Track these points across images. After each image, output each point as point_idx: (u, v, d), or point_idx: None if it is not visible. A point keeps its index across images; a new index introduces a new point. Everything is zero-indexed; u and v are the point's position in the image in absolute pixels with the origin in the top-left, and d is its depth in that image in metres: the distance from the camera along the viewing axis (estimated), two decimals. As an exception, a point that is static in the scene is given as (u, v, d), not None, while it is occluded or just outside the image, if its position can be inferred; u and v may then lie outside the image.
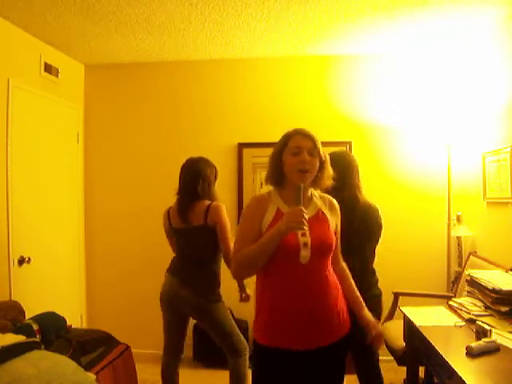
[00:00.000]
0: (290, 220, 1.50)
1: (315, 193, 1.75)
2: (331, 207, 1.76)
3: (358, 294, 1.80)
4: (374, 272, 2.49)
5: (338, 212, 1.79)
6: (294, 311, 1.59)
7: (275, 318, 1.62)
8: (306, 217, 1.50)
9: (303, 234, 1.57)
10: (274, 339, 1.61)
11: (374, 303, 2.34)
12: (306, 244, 1.58)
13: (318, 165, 1.65)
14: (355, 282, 1.85)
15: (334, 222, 1.74)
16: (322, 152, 1.67)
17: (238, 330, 2.56)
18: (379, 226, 2.49)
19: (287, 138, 1.70)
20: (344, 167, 2.42)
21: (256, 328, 1.68)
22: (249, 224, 1.66)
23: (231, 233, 2.44)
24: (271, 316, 1.63)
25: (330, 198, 1.79)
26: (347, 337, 1.70)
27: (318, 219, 1.67)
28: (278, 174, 1.68)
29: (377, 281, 2.50)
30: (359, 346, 2.43)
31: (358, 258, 2.37)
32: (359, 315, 1.76)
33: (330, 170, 1.71)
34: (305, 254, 1.58)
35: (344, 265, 1.84)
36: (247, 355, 2.55)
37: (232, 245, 2.29)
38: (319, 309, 1.61)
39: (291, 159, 1.63)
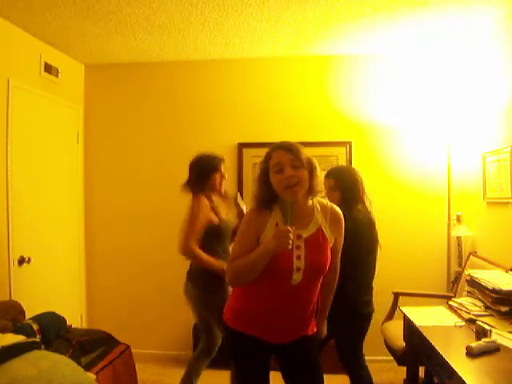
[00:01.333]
0: (277, 240, 1.50)
1: (317, 204, 1.69)
2: (333, 218, 1.70)
3: (327, 307, 1.92)
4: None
5: (341, 222, 1.73)
6: (271, 318, 1.68)
7: (252, 316, 1.69)
8: (291, 236, 1.49)
9: (298, 257, 1.59)
10: (247, 327, 1.70)
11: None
12: (299, 269, 1.60)
13: (306, 175, 1.59)
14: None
15: (334, 235, 1.71)
16: (307, 160, 1.61)
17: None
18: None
19: (268, 156, 1.63)
20: (354, 185, 2.45)
21: (231, 315, 1.75)
22: (247, 236, 1.65)
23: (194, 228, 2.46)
24: (249, 313, 1.70)
25: (333, 206, 1.74)
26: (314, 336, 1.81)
27: (317, 240, 1.64)
28: (268, 195, 1.62)
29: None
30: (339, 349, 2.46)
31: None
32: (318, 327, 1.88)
33: (319, 176, 1.66)
34: (296, 277, 1.61)
35: (337, 274, 1.86)
36: None
37: (188, 240, 2.39)
38: (295, 321, 1.71)
39: (276, 177, 1.59)
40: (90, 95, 3.87)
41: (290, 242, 1.49)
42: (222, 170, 2.62)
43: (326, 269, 1.67)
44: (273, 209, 1.65)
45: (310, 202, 1.68)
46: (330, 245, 1.69)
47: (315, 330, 1.82)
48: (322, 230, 1.66)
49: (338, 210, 1.74)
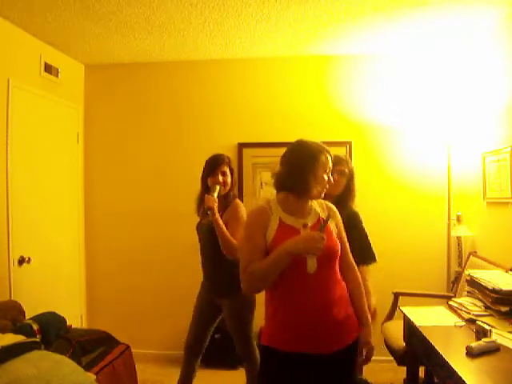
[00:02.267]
0: (308, 244, 1.52)
1: (314, 201, 1.76)
2: (331, 214, 1.74)
3: (365, 308, 1.76)
4: None
5: (337, 215, 1.79)
6: (302, 320, 1.60)
7: (284, 327, 1.63)
8: (323, 243, 1.53)
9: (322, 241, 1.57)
10: (283, 344, 1.62)
11: None
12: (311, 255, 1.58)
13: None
14: None
15: (334, 226, 1.74)
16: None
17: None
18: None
19: (323, 154, 1.68)
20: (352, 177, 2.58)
21: (266, 335, 1.69)
22: (253, 238, 1.64)
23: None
24: (280, 325, 1.64)
25: (326, 202, 1.81)
26: (355, 341, 1.71)
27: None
28: (302, 181, 1.65)
29: None
30: None
31: None
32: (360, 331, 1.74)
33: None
34: (311, 264, 1.59)
35: (356, 271, 1.80)
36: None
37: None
38: (327, 317, 1.61)
39: (325, 177, 1.68)
40: (90, 95, 3.87)
41: (322, 246, 1.52)
42: (218, 173, 2.49)
43: (337, 251, 1.67)
44: (272, 203, 1.70)
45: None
46: (335, 232, 1.72)
47: (357, 332, 1.72)
48: (323, 219, 1.69)
49: (331, 205, 1.82)
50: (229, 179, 2.50)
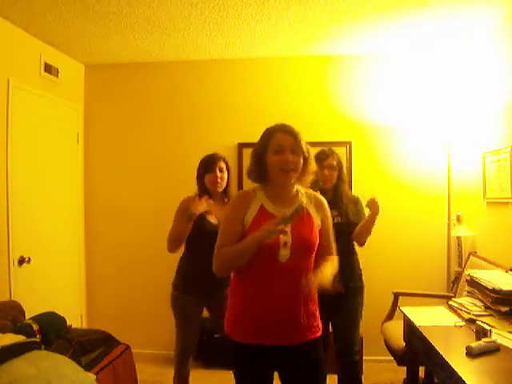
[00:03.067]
0: (265, 233, 1.50)
1: (302, 190, 1.73)
2: (317, 204, 1.73)
3: (324, 263, 1.69)
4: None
5: (325, 207, 1.76)
6: (266, 308, 1.60)
7: (248, 314, 1.63)
8: (279, 232, 1.51)
9: (284, 233, 1.55)
10: (246, 335, 1.63)
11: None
12: (285, 243, 1.58)
13: (301, 162, 1.63)
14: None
15: (320, 218, 1.72)
16: (305, 148, 1.65)
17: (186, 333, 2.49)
18: None
19: (269, 135, 1.69)
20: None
21: (229, 323, 1.69)
22: (231, 219, 1.66)
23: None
24: (245, 312, 1.64)
25: (316, 193, 1.79)
26: (319, 340, 1.69)
27: (302, 218, 1.63)
28: (260, 171, 1.66)
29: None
30: (340, 348, 2.50)
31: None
32: None
33: (313, 165, 1.69)
34: (284, 253, 1.58)
35: (335, 257, 1.77)
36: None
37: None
38: (291, 307, 1.61)
39: (274, 158, 1.62)
40: (90, 95, 3.87)
41: (274, 235, 1.51)
42: (215, 169, 2.47)
43: (314, 245, 1.65)
44: (258, 189, 1.68)
45: (294, 187, 1.71)
46: (317, 226, 1.68)
47: (319, 333, 1.71)
48: (307, 210, 1.67)
49: (322, 198, 1.79)
50: (225, 175, 2.50)
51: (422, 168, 3.53)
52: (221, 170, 2.48)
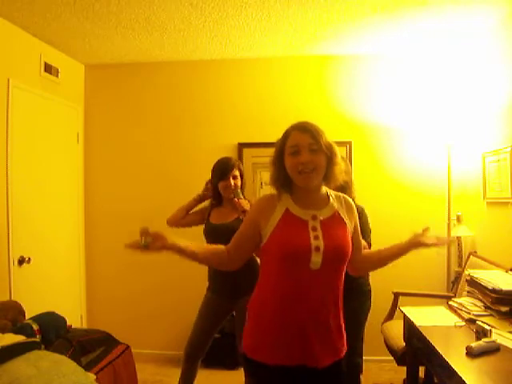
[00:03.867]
0: None
1: (331, 193, 1.59)
2: (348, 207, 1.60)
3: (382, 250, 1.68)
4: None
5: (355, 210, 1.63)
6: (289, 319, 1.44)
7: (268, 329, 1.47)
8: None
9: (316, 237, 1.44)
10: (266, 356, 1.45)
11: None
12: (318, 248, 1.43)
13: (323, 161, 1.47)
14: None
15: (353, 222, 1.60)
16: (328, 145, 1.49)
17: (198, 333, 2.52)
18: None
19: (285, 136, 1.53)
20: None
21: (246, 340, 1.53)
22: (245, 223, 1.59)
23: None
24: (264, 327, 1.48)
25: (346, 196, 1.64)
26: (340, 363, 1.53)
27: (334, 222, 1.52)
28: (283, 177, 1.52)
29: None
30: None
31: None
32: (400, 247, 1.74)
33: (341, 165, 1.53)
34: (316, 259, 1.42)
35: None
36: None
37: None
38: (316, 320, 1.45)
39: (290, 160, 1.47)
40: (90, 95, 3.87)
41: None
42: (229, 177, 2.49)
43: (347, 254, 1.50)
44: (283, 193, 1.54)
45: (324, 189, 1.57)
46: (350, 231, 1.56)
47: (344, 350, 1.55)
48: (338, 214, 1.55)
49: (349, 199, 1.66)
50: (239, 182, 2.53)
51: (422, 168, 3.52)
52: (234, 178, 2.49)
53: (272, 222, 1.49)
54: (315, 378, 1.47)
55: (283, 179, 1.52)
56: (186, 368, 2.54)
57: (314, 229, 1.47)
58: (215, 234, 2.49)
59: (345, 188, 1.85)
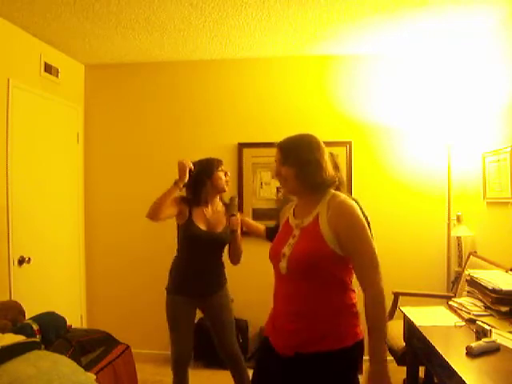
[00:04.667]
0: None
1: (327, 197, 1.57)
2: (334, 212, 1.51)
3: (371, 341, 1.45)
4: None
5: (344, 218, 1.49)
6: (275, 315, 1.66)
7: (270, 317, 1.71)
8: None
9: (289, 245, 1.59)
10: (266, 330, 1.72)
11: None
12: (284, 254, 1.58)
13: (291, 173, 1.56)
14: None
15: (333, 231, 1.49)
16: (296, 157, 1.56)
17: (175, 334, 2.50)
18: None
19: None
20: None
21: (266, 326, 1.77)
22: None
23: None
24: (271, 319, 1.70)
25: (342, 202, 1.53)
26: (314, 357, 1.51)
27: (309, 229, 1.55)
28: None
29: None
30: None
31: None
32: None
33: (316, 170, 1.56)
34: (283, 265, 1.58)
35: (371, 293, 1.55)
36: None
37: None
38: (290, 318, 1.56)
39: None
40: (90, 95, 3.87)
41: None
42: (222, 169, 2.51)
43: (308, 261, 1.49)
44: (288, 204, 1.77)
45: (321, 195, 1.57)
46: (326, 237, 1.48)
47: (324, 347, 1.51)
48: (317, 219, 1.53)
49: (346, 208, 1.51)
50: (228, 178, 2.57)
51: (422, 168, 3.52)
52: (225, 174, 2.53)
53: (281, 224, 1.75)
54: (281, 364, 1.58)
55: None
56: (177, 375, 2.50)
57: (294, 236, 1.61)
58: (200, 241, 2.44)
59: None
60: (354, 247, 1.50)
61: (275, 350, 1.60)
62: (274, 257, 1.63)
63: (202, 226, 2.45)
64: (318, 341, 1.51)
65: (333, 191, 1.60)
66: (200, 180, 2.45)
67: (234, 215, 2.45)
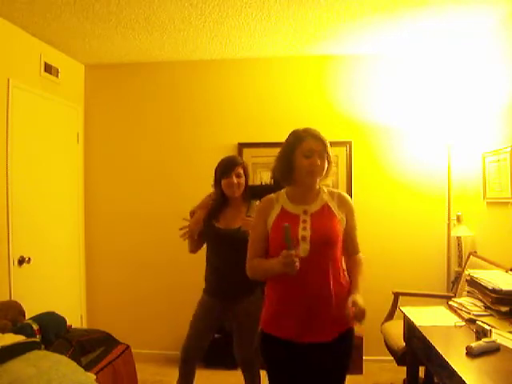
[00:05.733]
0: (284, 266, 1.58)
1: (324, 188, 1.81)
2: (340, 201, 1.79)
3: (357, 279, 1.75)
4: None
5: (349, 204, 1.81)
6: (294, 303, 1.68)
7: (279, 309, 1.72)
8: (296, 259, 1.57)
9: (304, 228, 1.67)
10: (278, 329, 1.72)
11: None
12: (304, 237, 1.66)
13: (326, 166, 1.74)
14: None
15: (344, 214, 1.77)
16: (330, 153, 1.75)
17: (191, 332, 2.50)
18: None
19: (299, 138, 1.75)
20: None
21: (263, 318, 1.80)
22: (256, 227, 1.80)
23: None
24: (275, 307, 1.73)
25: (340, 192, 1.85)
26: (348, 332, 1.74)
27: (323, 213, 1.73)
28: (287, 171, 1.75)
29: None
30: None
31: None
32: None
33: (333, 168, 1.80)
34: (304, 246, 1.65)
35: (360, 256, 1.83)
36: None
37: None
38: (317, 301, 1.67)
39: (304, 161, 1.70)
40: (90, 95, 3.87)
41: (297, 265, 1.57)
42: (232, 175, 2.44)
43: (333, 239, 1.70)
44: (281, 193, 1.80)
45: (318, 186, 1.78)
46: (340, 222, 1.75)
47: (349, 323, 1.71)
48: (328, 206, 1.75)
49: (347, 195, 1.85)
50: (243, 180, 2.46)
51: (422, 168, 3.52)
52: (238, 176, 2.42)
53: (270, 220, 1.75)
54: (324, 351, 1.68)
55: (287, 174, 1.75)
56: (184, 374, 2.48)
57: (304, 221, 1.71)
58: (218, 238, 2.45)
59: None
60: (353, 224, 1.81)
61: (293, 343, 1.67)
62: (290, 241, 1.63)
63: (220, 224, 2.44)
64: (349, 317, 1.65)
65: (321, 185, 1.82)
66: (217, 180, 2.48)
67: (250, 216, 2.37)
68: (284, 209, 1.75)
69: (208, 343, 2.53)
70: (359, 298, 1.63)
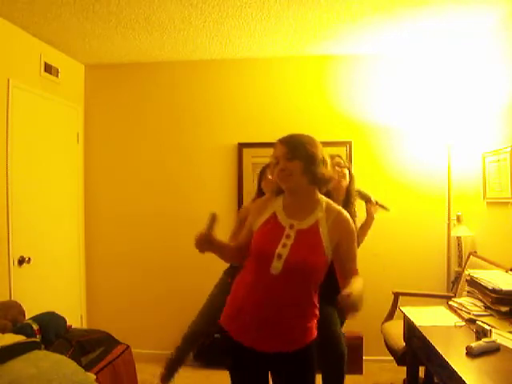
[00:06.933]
0: (195, 241, 1.60)
1: (323, 203, 1.66)
2: (335, 223, 1.62)
3: (352, 280, 1.56)
4: None
5: (347, 227, 1.63)
6: (251, 315, 1.60)
7: (237, 313, 1.66)
8: (200, 239, 1.58)
9: (284, 245, 1.57)
10: (234, 331, 1.66)
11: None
12: (280, 256, 1.56)
13: (299, 166, 1.60)
14: None
15: (336, 238, 1.60)
16: (305, 153, 1.61)
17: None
18: None
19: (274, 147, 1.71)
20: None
21: (224, 314, 1.74)
22: (238, 220, 1.90)
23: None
24: (234, 311, 1.67)
25: (342, 212, 1.66)
26: (301, 351, 1.63)
27: (308, 235, 1.60)
28: (276, 185, 1.71)
29: None
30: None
31: None
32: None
33: (321, 167, 1.63)
34: (276, 265, 1.55)
35: (360, 277, 1.62)
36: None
37: None
38: (275, 319, 1.58)
39: (273, 169, 1.68)
40: (90, 95, 3.87)
41: (201, 247, 1.60)
42: (267, 176, 2.54)
43: (310, 267, 1.57)
44: (278, 197, 1.72)
45: (318, 196, 1.67)
46: (326, 247, 1.58)
47: (306, 340, 1.63)
48: (317, 227, 1.60)
49: (346, 216, 1.65)
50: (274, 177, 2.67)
51: (422, 168, 3.52)
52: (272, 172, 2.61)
53: (259, 221, 1.68)
54: (262, 361, 1.63)
55: (276, 187, 1.71)
56: (184, 348, 2.53)
57: (288, 236, 1.60)
58: None
59: (331, 195, 1.82)
60: (348, 249, 1.63)
61: (250, 349, 1.61)
62: (265, 255, 1.58)
63: None
64: (307, 335, 1.63)
65: (324, 197, 1.69)
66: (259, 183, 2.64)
67: None
68: (275, 215, 1.65)
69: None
70: (355, 289, 1.46)
